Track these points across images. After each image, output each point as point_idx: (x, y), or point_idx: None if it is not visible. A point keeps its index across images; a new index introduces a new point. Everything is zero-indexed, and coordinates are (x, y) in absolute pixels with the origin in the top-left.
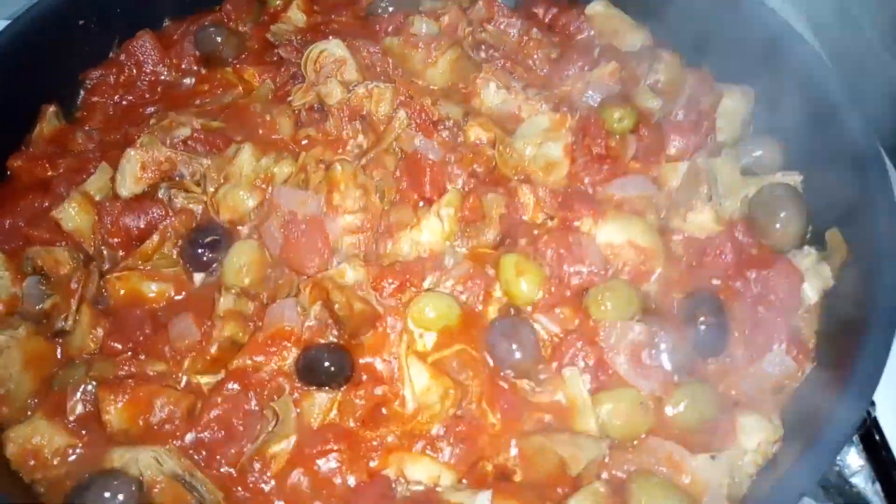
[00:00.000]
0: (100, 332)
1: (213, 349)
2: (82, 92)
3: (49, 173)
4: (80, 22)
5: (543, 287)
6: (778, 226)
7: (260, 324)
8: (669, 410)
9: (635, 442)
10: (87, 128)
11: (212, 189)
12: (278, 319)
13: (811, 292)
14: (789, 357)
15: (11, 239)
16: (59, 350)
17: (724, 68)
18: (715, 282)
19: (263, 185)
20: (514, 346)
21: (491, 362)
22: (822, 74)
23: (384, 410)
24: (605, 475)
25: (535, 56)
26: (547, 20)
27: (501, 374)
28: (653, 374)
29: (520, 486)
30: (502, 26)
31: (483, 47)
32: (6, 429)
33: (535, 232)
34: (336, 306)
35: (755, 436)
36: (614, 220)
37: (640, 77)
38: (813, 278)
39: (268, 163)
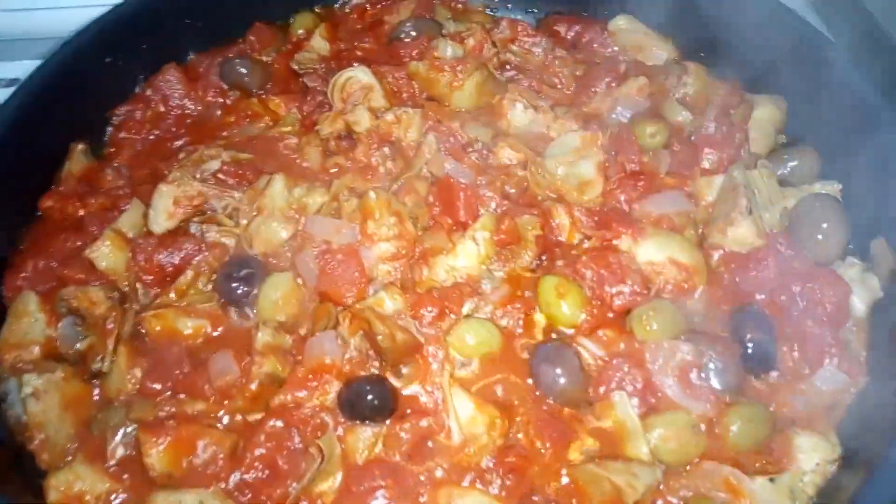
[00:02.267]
0: (138, 372)
1: (254, 386)
2: (109, 129)
3: (80, 212)
4: (107, 59)
5: (586, 309)
6: (820, 237)
7: (299, 358)
8: (722, 432)
9: (688, 467)
10: (115, 164)
11: (244, 222)
12: (318, 353)
13: (859, 304)
14: (841, 371)
15: (45, 280)
16: (96, 392)
17: (752, 77)
18: (759, 297)
19: (296, 216)
20: (559, 372)
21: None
22: (857, 79)
23: (430, 443)
24: (659, 503)
25: (561, 74)
26: (570, 37)
27: (547, 400)
28: (703, 395)
29: None
30: (526, 46)
31: (508, 67)
32: (48, 476)
33: (573, 252)
34: (379, 337)
35: (813, 455)
36: (653, 237)
37: (669, 90)
38: (860, 290)
39: (300, 193)
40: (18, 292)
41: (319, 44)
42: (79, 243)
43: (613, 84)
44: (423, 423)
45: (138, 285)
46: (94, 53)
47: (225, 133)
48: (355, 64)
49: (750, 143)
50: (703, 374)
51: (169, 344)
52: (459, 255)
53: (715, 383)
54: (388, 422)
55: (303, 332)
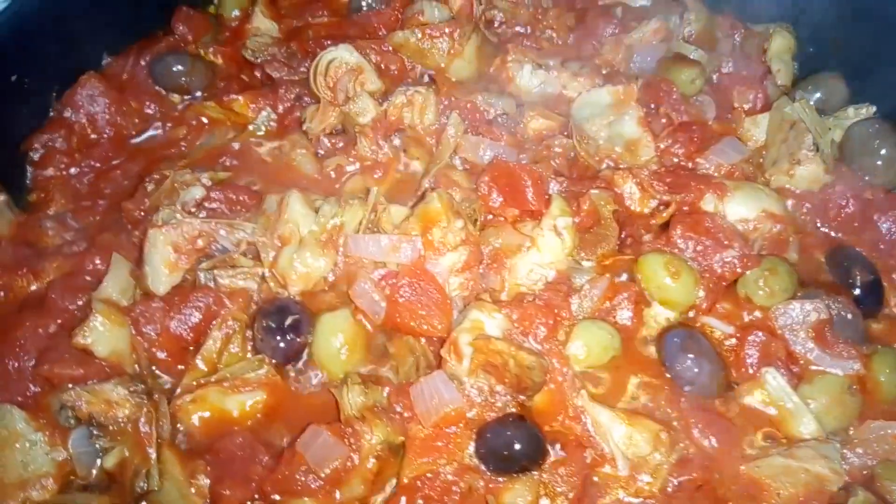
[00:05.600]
0: (202, 479)
1: (370, 464)
2: (29, 168)
3: (34, 286)
4: (12, 78)
5: (701, 285)
6: (880, 163)
7: (407, 414)
8: (872, 385)
9: (851, 431)
10: (51, 212)
11: (269, 258)
12: (436, 403)
13: None
14: None
15: (21, 387)
16: None
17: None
18: (838, 235)
19: (333, 240)
20: (699, 361)
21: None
22: None
23: (596, 479)
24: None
25: (553, 26)
26: None
27: (685, 392)
28: (847, 353)
29: None
30: None
31: (496, 25)
32: None
33: (652, 222)
34: (511, 366)
35: None
36: (739, 191)
37: (673, 31)
38: None
39: (331, 210)
40: None
41: (265, 24)
42: (52, 328)
43: (615, 31)
44: (587, 456)
45: (154, 367)
46: None
47: (181, 150)
48: (328, 42)
49: (774, 75)
50: (836, 329)
51: (223, 433)
52: (544, 250)
53: (850, 336)
54: (544, 465)
55: (393, 378)
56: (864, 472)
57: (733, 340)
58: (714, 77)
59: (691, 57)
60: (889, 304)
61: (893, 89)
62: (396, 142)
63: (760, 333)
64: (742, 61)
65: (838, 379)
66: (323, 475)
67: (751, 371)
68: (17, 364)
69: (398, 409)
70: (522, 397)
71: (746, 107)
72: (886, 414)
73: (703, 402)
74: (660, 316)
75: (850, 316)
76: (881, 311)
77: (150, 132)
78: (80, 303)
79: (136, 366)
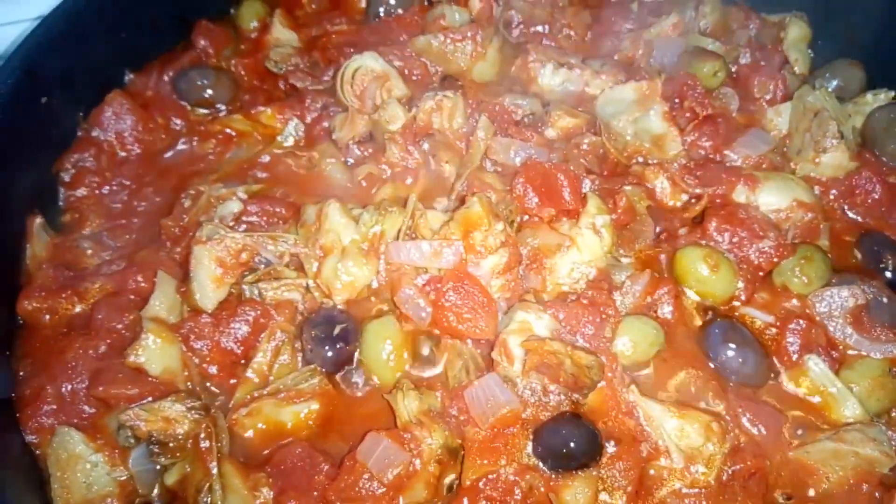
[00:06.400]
0: (266, 493)
1: (432, 468)
2: (62, 189)
3: (78, 307)
4: (43, 100)
5: (739, 276)
6: None
7: (462, 417)
8: None
9: (894, 413)
10: (86, 232)
11: (312, 268)
12: (492, 405)
13: None
14: None
15: (77, 409)
16: None
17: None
18: (866, 220)
19: (375, 248)
20: (742, 351)
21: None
22: None
23: (652, 472)
24: None
25: (570, 24)
26: None
27: (730, 384)
28: (885, 336)
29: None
30: None
31: (513, 26)
32: None
33: (686, 216)
34: (567, 366)
35: None
36: (770, 182)
37: (689, 24)
38: None
39: (371, 218)
40: (49, 434)
41: (284, 34)
42: (102, 349)
43: (634, 27)
44: (643, 449)
45: (207, 383)
46: (26, 97)
47: (211, 164)
48: (350, 50)
49: (792, 64)
50: (872, 313)
51: (279, 445)
52: (584, 249)
53: (886, 319)
54: (602, 461)
55: (447, 382)
56: None
57: (773, 330)
58: (733, 69)
59: (710, 49)
60: None
61: None
62: (426, 147)
63: (801, 321)
64: (759, 52)
65: (878, 362)
66: (386, 481)
67: (793, 358)
68: (70, 387)
69: (453, 412)
70: (577, 396)
71: (767, 97)
72: None
73: (748, 392)
74: (696, 307)
75: (884, 300)
76: None
77: (178, 147)
78: (126, 322)
79: (189, 382)
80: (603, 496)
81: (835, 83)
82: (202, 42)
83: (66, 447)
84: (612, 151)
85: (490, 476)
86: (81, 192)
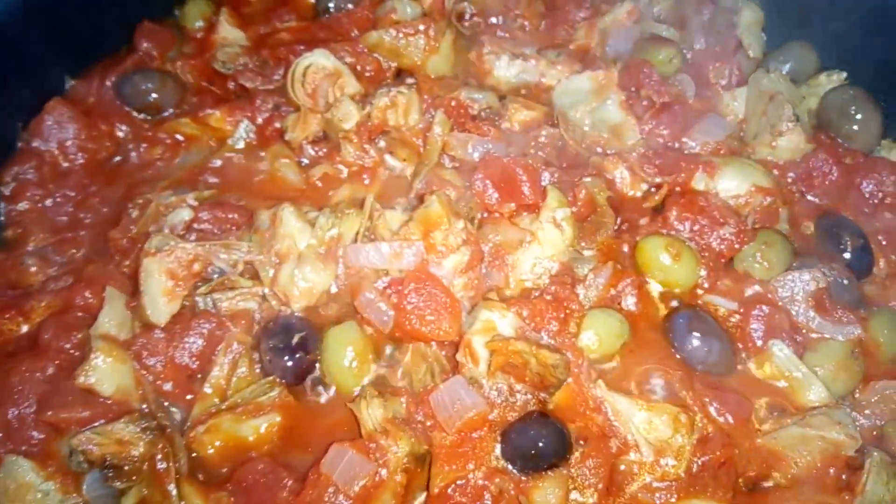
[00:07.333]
0: None
1: (399, 477)
2: (2, 203)
3: (24, 327)
4: None
5: (701, 264)
6: (856, 127)
7: (429, 423)
8: (872, 347)
9: (857, 394)
10: (30, 249)
11: (268, 275)
12: (458, 409)
13: None
14: None
15: (24, 436)
16: None
17: None
18: (824, 202)
19: (332, 252)
20: (708, 340)
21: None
22: None
23: (622, 467)
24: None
25: (524, 14)
26: None
27: (697, 372)
28: (846, 318)
29: (789, 488)
30: None
31: (466, 18)
32: None
33: (645, 205)
34: (533, 365)
35: None
36: (728, 167)
37: (642, 11)
38: None
39: (327, 221)
40: None
41: (231, 33)
42: (49, 370)
43: (588, 15)
44: (613, 445)
45: (162, 399)
46: None
47: (159, 171)
48: (300, 48)
49: (746, 49)
50: (833, 295)
51: (241, 461)
52: (545, 243)
53: (847, 300)
54: (571, 460)
55: (408, 386)
56: (875, 433)
57: (737, 317)
58: (688, 55)
59: (665, 35)
60: (878, 266)
61: (860, 53)
62: (382, 144)
63: (764, 307)
64: (713, 37)
65: (841, 344)
66: (352, 494)
67: (758, 344)
68: (17, 412)
69: (419, 418)
70: (544, 395)
71: (723, 82)
72: (889, 373)
73: (714, 380)
74: (660, 297)
75: (845, 281)
76: (872, 273)
77: (124, 155)
78: (75, 341)
79: (144, 401)
80: (574, 495)
81: (788, 66)
82: (145, 44)
83: (14, 477)
84: (570, 143)
85: (459, 482)
86: (23, 205)
